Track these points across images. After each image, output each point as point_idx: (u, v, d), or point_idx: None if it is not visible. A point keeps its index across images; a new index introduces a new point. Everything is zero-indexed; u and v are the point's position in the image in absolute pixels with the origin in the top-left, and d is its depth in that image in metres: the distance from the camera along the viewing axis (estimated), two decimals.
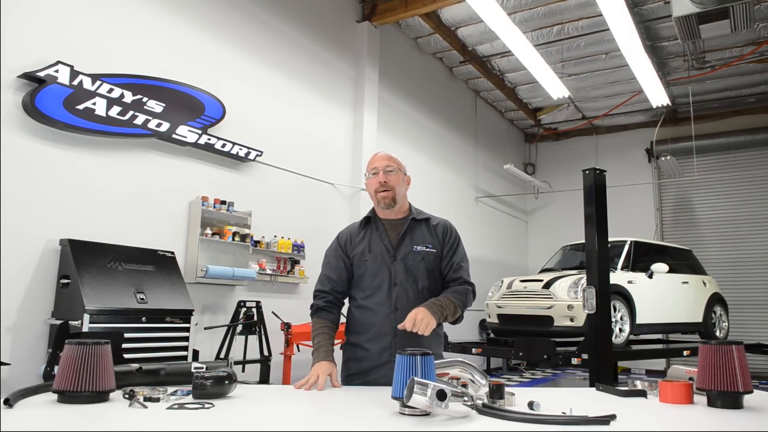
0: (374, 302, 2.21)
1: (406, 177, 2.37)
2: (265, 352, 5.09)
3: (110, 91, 4.50)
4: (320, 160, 6.80)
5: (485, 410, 1.46)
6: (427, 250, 2.26)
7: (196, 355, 4.50)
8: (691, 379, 1.75)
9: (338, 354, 2.20)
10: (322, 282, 2.31)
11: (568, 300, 6.04)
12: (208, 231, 5.21)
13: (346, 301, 2.37)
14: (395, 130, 8.08)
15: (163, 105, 4.88)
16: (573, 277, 6.25)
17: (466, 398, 1.51)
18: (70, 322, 3.69)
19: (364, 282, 2.25)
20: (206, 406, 1.51)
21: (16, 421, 1.28)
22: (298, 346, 5.26)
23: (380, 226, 2.30)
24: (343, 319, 2.36)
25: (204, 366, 1.81)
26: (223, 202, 5.38)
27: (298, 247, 6.24)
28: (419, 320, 2.00)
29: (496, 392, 1.59)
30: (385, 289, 2.21)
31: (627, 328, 6.12)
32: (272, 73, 6.23)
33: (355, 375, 2.21)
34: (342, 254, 2.31)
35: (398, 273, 2.21)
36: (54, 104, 4.15)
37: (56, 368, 1.55)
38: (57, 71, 4.16)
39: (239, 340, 5.07)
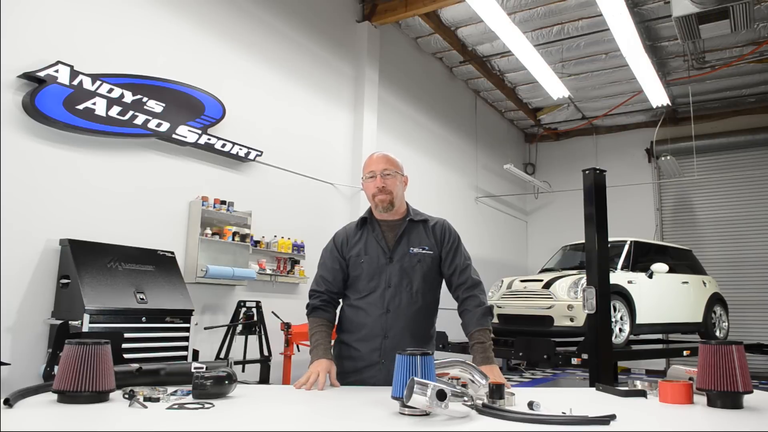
0: (367, 303, 2.21)
1: (404, 177, 2.33)
2: (265, 352, 5.09)
3: (110, 91, 4.50)
4: (320, 160, 6.80)
5: (485, 410, 1.46)
6: (424, 252, 2.24)
7: (196, 355, 4.50)
8: (691, 379, 1.75)
9: None
10: (318, 282, 2.30)
11: (568, 300, 6.04)
12: (208, 231, 5.21)
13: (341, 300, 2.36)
14: (395, 130, 8.08)
15: (163, 105, 4.88)
16: (573, 277, 6.24)
17: (466, 398, 1.51)
18: (70, 322, 3.69)
19: (359, 284, 2.24)
20: (206, 406, 1.51)
21: (16, 421, 1.28)
22: (298, 346, 5.26)
23: (377, 227, 2.29)
24: None
25: (204, 366, 1.81)
26: (223, 202, 5.38)
27: (298, 247, 6.24)
28: (498, 378, 1.93)
29: (496, 392, 1.59)
30: (379, 291, 2.20)
31: (627, 328, 6.11)
32: (272, 73, 6.23)
33: (344, 374, 2.18)
34: (338, 255, 2.30)
35: (393, 275, 2.20)
36: (54, 104, 4.15)
37: (56, 368, 1.55)
38: (57, 71, 4.16)
39: (239, 340, 5.07)
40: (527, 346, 5.71)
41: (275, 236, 6.03)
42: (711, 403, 1.62)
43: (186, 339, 4.38)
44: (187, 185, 5.20)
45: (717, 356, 1.61)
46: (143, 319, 4.11)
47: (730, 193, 10.59)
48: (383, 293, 2.19)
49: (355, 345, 2.20)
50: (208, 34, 5.52)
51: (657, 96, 8.82)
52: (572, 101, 10.46)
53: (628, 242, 6.93)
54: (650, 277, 6.63)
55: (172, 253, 4.74)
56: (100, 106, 4.41)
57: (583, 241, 5.16)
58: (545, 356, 5.48)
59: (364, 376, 2.15)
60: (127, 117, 4.60)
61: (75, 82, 4.27)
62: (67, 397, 1.48)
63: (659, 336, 8.17)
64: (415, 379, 1.39)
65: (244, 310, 5.11)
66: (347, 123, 7.30)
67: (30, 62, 4.08)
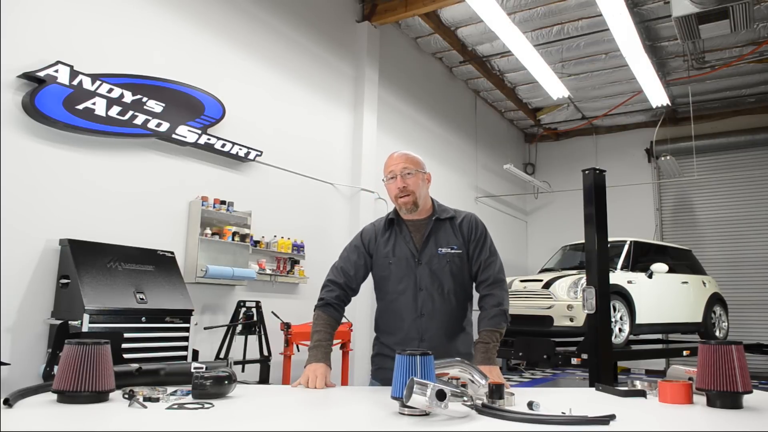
0: (400, 307, 2.20)
1: (426, 174, 2.28)
2: (265, 352, 5.09)
3: (110, 91, 4.50)
4: (320, 160, 6.80)
5: (485, 410, 1.46)
6: (453, 251, 2.21)
7: (195, 355, 4.50)
8: (690, 379, 1.75)
9: (334, 355, 2.20)
10: (337, 274, 2.26)
11: (567, 300, 6.04)
12: (208, 231, 5.21)
13: (354, 299, 2.34)
14: (395, 130, 8.08)
15: (163, 105, 4.88)
16: (573, 277, 6.25)
17: (465, 398, 1.51)
18: (69, 322, 3.69)
19: (389, 285, 2.22)
20: (206, 406, 1.51)
21: (16, 421, 1.28)
22: (297, 346, 5.26)
23: (404, 228, 2.26)
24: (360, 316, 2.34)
25: (204, 366, 1.81)
26: (223, 202, 5.38)
27: (298, 247, 6.24)
28: (497, 379, 1.89)
29: (496, 392, 1.59)
30: (410, 294, 2.18)
31: (627, 328, 6.12)
32: (272, 73, 6.23)
33: (383, 369, 2.22)
34: (364, 251, 2.27)
35: (423, 278, 2.18)
36: (54, 104, 4.15)
37: (56, 368, 1.55)
38: (57, 71, 4.16)
39: (239, 340, 5.07)
40: (527, 346, 5.72)
41: (275, 236, 6.03)
42: (710, 403, 1.62)
43: (186, 339, 4.37)
44: (187, 185, 5.20)
45: (717, 356, 1.61)
46: (143, 319, 4.11)
47: (730, 193, 10.59)
48: (415, 297, 2.17)
49: (393, 346, 2.19)
50: (207, 34, 5.52)
51: (657, 96, 8.83)
52: (572, 101, 10.46)
53: (628, 242, 6.93)
54: (650, 277, 6.64)
55: (172, 253, 4.74)
56: (99, 106, 4.41)
57: (583, 241, 5.16)
58: (545, 356, 5.49)
59: None
60: (126, 117, 4.60)
61: (75, 82, 4.27)
62: (66, 397, 1.48)
63: (659, 336, 8.17)
64: (415, 379, 1.39)
65: (243, 310, 5.11)
66: (347, 123, 7.30)
67: (30, 62, 4.07)
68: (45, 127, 4.16)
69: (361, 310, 6.34)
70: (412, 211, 2.22)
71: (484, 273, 2.23)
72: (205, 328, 4.99)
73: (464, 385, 1.68)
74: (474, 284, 2.29)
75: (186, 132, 5.08)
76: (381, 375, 2.23)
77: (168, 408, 1.47)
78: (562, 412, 1.45)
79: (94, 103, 4.38)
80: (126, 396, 1.55)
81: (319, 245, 6.45)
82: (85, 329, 3.73)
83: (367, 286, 2.41)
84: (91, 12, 4.54)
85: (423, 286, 2.17)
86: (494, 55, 9.02)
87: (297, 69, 6.56)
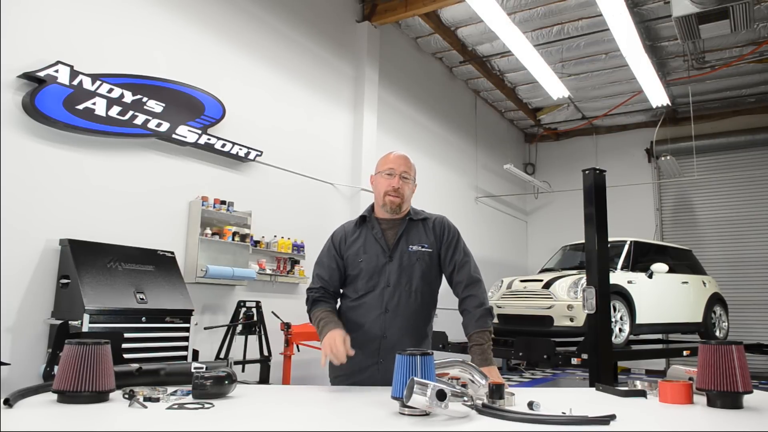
0: (365, 303, 2.20)
1: (415, 185, 2.35)
2: (265, 352, 5.09)
3: (110, 91, 4.50)
4: (320, 160, 6.80)
5: (485, 410, 1.46)
6: (423, 250, 2.23)
7: (196, 355, 4.50)
8: (690, 379, 1.75)
9: None
10: (314, 281, 2.30)
11: (568, 300, 6.04)
12: (208, 231, 5.22)
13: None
14: (395, 130, 8.08)
15: (163, 105, 4.88)
16: (573, 277, 6.24)
17: (465, 398, 1.51)
18: (70, 322, 3.69)
19: (358, 283, 2.23)
20: (206, 406, 1.51)
21: (16, 421, 1.28)
22: (298, 346, 5.26)
23: (376, 225, 2.27)
24: None
25: (204, 366, 1.81)
26: (223, 202, 5.38)
27: (298, 247, 6.24)
28: (497, 379, 1.85)
29: (496, 392, 1.59)
30: (378, 290, 2.19)
31: (627, 328, 6.11)
32: (272, 73, 6.23)
33: (343, 376, 2.19)
34: (335, 254, 2.29)
35: (392, 274, 2.19)
36: (54, 104, 4.15)
37: (56, 368, 1.55)
38: (57, 71, 4.16)
39: (239, 340, 5.07)
40: (527, 346, 5.71)
41: (275, 236, 6.03)
42: (711, 403, 1.62)
43: (186, 339, 4.38)
44: (187, 185, 5.20)
45: (717, 356, 1.61)
46: (143, 319, 4.11)
47: (730, 193, 10.59)
48: (382, 292, 2.18)
49: (353, 345, 2.19)
50: (208, 34, 5.52)
51: (657, 96, 8.83)
52: (572, 101, 10.46)
53: (628, 242, 6.93)
54: (650, 277, 6.63)
55: (172, 253, 4.74)
56: (100, 106, 4.41)
57: (583, 241, 5.16)
58: (545, 356, 5.48)
59: (362, 376, 2.14)
60: (127, 117, 4.60)
61: (75, 82, 4.27)
62: (67, 397, 1.48)
63: (659, 336, 8.17)
64: (415, 379, 1.39)
65: (244, 310, 5.11)
66: (347, 123, 7.30)
67: (30, 62, 4.08)
68: (45, 127, 4.16)
69: None
70: (394, 212, 2.25)
71: (460, 274, 2.24)
72: (205, 328, 4.99)
73: (464, 385, 1.68)
74: (450, 285, 2.29)
75: (186, 132, 5.08)
76: (341, 382, 2.18)
77: (168, 408, 1.47)
78: (563, 412, 1.45)
79: (94, 103, 4.38)
80: (126, 396, 1.55)
81: (319, 245, 6.36)
82: (85, 329, 3.74)
83: None
84: (91, 12, 4.54)
85: (391, 283, 2.18)
86: (494, 55, 9.02)
87: (297, 69, 6.56)
